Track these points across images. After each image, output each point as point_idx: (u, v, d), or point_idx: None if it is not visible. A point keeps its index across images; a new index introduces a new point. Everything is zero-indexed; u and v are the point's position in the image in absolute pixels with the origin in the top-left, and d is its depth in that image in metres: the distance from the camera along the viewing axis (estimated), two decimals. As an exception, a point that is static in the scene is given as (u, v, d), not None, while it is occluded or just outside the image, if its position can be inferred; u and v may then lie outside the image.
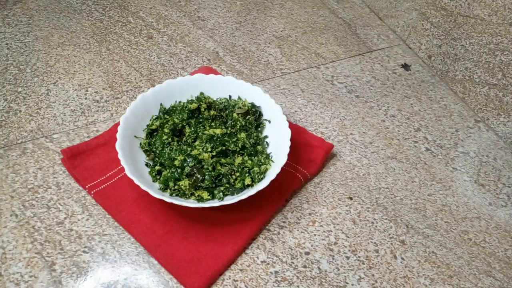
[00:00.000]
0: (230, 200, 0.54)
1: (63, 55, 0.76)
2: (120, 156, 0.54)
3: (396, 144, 0.70)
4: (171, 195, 0.55)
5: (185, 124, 0.61)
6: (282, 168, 0.56)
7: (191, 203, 0.53)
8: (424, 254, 0.57)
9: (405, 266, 0.55)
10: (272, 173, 0.56)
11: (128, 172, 0.53)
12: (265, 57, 0.82)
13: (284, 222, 0.58)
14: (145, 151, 0.59)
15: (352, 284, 0.53)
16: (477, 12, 0.73)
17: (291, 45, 0.86)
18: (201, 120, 0.62)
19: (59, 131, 0.64)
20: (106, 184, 0.58)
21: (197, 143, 0.59)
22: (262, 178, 0.57)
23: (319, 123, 0.71)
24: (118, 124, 0.58)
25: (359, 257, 0.55)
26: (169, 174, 0.56)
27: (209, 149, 0.57)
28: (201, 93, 0.65)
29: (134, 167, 0.55)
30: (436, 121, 0.75)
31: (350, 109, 0.75)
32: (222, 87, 0.66)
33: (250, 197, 0.54)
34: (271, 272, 0.53)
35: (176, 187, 0.55)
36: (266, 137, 0.63)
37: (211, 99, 0.64)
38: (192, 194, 0.56)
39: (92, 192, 0.57)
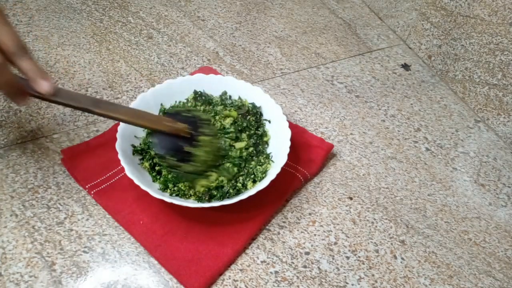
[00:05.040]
0: (230, 200, 0.54)
1: (63, 55, 0.76)
2: (120, 156, 0.54)
3: (396, 144, 0.70)
4: (171, 195, 0.55)
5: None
6: (282, 168, 0.56)
7: (191, 203, 0.53)
8: (424, 254, 0.57)
9: (405, 266, 0.55)
10: (272, 173, 0.56)
11: (128, 172, 0.53)
12: (265, 57, 0.82)
13: (284, 222, 0.58)
14: (141, 151, 0.59)
15: (352, 284, 0.53)
16: (477, 12, 0.73)
17: (291, 45, 0.86)
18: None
19: (59, 131, 0.64)
20: (106, 184, 0.58)
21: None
22: (262, 178, 0.57)
23: (319, 123, 0.71)
24: (118, 124, 0.58)
25: (359, 257, 0.55)
26: (169, 176, 0.56)
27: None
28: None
29: (134, 167, 0.55)
30: (436, 121, 0.75)
31: (350, 109, 0.75)
32: (222, 87, 0.66)
33: (250, 197, 0.54)
34: (271, 272, 0.53)
35: (175, 188, 0.56)
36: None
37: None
38: (191, 192, 0.55)
39: (92, 192, 0.57)
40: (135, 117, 0.53)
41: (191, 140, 0.54)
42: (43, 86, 0.46)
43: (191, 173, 0.54)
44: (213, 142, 0.56)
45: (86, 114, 0.67)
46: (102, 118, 0.66)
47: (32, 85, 0.47)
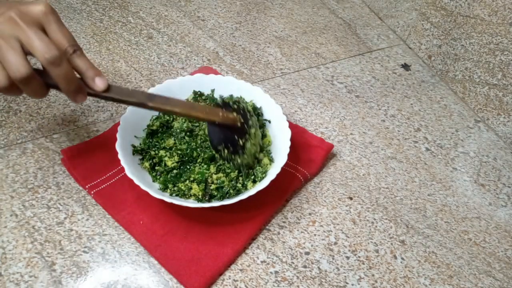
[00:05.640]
0: (230, 200, 0.54)
1: (63, 55, 0.76)
2: (120, 156, 0.54)
3: (396, 144, 0.70)
4: (171, 195, 0.55)
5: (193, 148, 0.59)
6: (282, 168, 0.56)
7: (191, 203, 0.53)
8: (424, 254, 0.57)
9: (405, 266, 0.55)
10: (272, 173, 0.56)
11: (128, 172, 0.53)
12: (265, 57, 0.82)
13: (284, 222, 0.58)
14: (141, 151, 0.59)
15: (352, 284, 0.53)
16: (477, 12, 0.73)
17: (291, 45, 0.86)
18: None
19: (59, 131, 0.64)
20: (106, 184, 0.58)
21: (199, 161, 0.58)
22: (262, 178, 0.57)
23: (319, 123, 0.71)
24: (118, 124, 0.58)
25: (359, 257, 0.55)
26: (168, 177, 0.56)
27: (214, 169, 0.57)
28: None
29: (134, 167, 0.55)
30: (436, 121, 0.75)
31: (350, 109, 0.75)
32: (222, 87, 0.66)
33: (250, 197, 0.54)
34: (271, 272, 0.53)
35: (175, 188, 0.56)
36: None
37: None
38: (192, 192, 0.56)
39: (92, 192, 0.57)
40: (189, 109, 0.53)
41: (242, 132, 0.55)
42: (99, 84, 0.47)
43: (243, 165, 0.56)
44: (256, 134, 0.57)
45: (86, 114, 0.67)
46: (102, 118, 0.66)
47: (89, 82, 0.47)
